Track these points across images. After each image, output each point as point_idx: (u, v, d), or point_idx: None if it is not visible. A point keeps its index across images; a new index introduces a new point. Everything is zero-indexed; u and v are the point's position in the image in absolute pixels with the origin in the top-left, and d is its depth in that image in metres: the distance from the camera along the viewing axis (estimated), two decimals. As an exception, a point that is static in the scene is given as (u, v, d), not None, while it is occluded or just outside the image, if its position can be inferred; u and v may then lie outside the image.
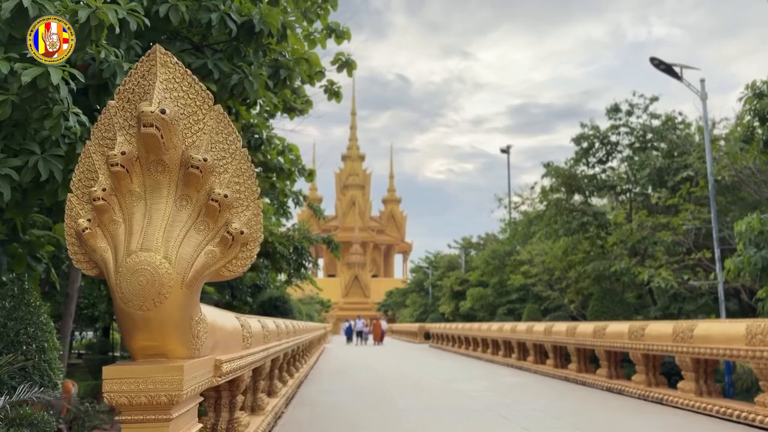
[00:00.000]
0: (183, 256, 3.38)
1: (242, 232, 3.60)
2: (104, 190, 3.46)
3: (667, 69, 12.45)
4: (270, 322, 8.24)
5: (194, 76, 3.64)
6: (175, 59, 3.59)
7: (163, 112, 3.35)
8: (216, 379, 4.28)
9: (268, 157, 10.04)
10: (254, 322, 6.60)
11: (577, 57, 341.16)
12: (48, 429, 5.37)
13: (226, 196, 3.55)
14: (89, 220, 3.51)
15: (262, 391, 7.84)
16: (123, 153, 3.43)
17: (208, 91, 3.69)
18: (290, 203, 14.80)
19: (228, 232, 3.55)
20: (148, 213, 3.44)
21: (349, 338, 41.55)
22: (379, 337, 39.14)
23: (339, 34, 9.55)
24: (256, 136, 8.35)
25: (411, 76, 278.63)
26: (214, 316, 4.34)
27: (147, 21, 4.48)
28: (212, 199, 3.51)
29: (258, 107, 8.11)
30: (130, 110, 3.55)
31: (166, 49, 3.77)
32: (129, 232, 3.40)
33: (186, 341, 3.54)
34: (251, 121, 8.49)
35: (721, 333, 8.60)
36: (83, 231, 3.47)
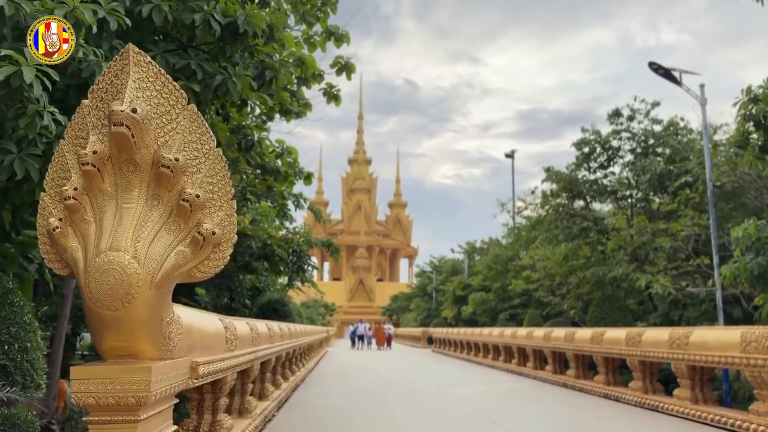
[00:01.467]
0: (152, 257, 3.36)
1: (214, 233, 3.57)
2: (76, 189, 3.44)
3: (666, 74, 12.35)
4: (261, 325, 8.21)
5: (167, 76, 3.62)
6: (149, 58, 3.57)
7: (134, 111, 3.33)
8: (192, 381, 4.25)
9: (266, 159, 10.01)
10: (241, 324, 6.57)
11: (585, 63, 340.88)
12: (30, 429, 5.36)
13: (197, 196, 3.52)
14: (61, 220, 3.49)
15: (251, 393, 7.81)
16: (95, 152, 3.42)
17: (182, 91, 3.67)
18: (291, 206, 14.81)
19: (199, 232, 3.52)
20: (119, 212, 3.42)
21: (354, 342, 41.54)
22: (384, 342, 39.10)
23: (338, 37, 9.52)
24: (249, 137, 8.34)
25: (419, 81, 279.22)
26: (191, 317, 4.31)
27: (128, 21, 4.48)
28: (183, 199, 3.48)
29: (250, 108, 8.10)
30: (103, 109, 3.53)
31: (150, 50, 3.78)
32: (99, 231, 3.38)
33: (156, 342, 3.51)
34: (244, 122, 8.47)
35: (716, 340, 8.49)
36: (54, 230, 3.46)
